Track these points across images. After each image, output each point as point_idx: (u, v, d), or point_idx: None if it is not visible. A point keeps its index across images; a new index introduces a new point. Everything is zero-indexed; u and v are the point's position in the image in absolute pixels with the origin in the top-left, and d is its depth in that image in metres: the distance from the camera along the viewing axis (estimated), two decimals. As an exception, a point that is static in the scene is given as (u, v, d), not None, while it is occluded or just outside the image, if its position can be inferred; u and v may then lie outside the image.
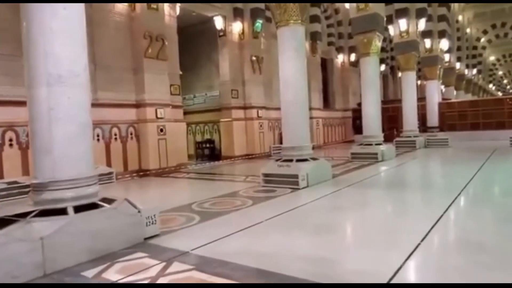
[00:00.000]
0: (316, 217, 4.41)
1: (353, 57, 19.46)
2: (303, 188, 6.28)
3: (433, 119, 16.99)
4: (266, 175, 6.77)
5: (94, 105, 8.50)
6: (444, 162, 10.28)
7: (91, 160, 3.53)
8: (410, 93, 14.01)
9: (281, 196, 5.74)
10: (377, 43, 10.39)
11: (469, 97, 27.44)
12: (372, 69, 10.28)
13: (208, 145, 13.20)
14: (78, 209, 3.23)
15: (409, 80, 14.04)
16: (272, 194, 5.89)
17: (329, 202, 5.36)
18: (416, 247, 3.11)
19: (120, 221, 3.45)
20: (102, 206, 3.41)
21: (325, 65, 18.62)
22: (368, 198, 5.47)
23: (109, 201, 3.60)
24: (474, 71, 29.99)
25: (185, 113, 13.65)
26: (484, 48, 31.86)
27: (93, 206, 3.38)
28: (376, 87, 10.34)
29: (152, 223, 3.79)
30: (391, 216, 4.33)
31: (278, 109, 12.80)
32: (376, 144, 10.15)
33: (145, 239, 3.68)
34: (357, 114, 19.59)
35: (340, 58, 19.40)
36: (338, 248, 3.24)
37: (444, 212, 4.24)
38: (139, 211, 3.67)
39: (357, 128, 19.40)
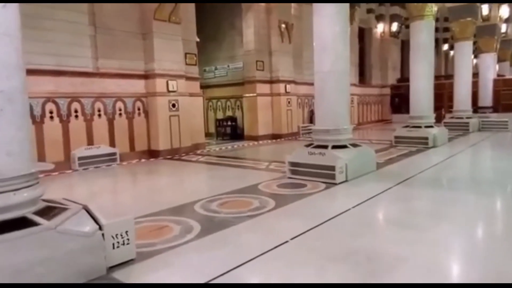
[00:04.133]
0: (366, 238, 3.03)
1: (394, 26, 17.35)
2: (340, 183, 4.89)
3: (486, 98, 14.88)
4: (293, 164, 5.41)
5: (94, 74, 7.35)
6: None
7: (22, 152, 2.29)
8: (465, 66, 12.04)
9: (312, 194, 4.38)
10: (433, 6, 8.54)
11: (523, 74, 24.49)
12: (425, 36, 8.50)
13: (229, 123, 11.89)
14: (-9, 230, 2.01)
15: (464, 52, 12.04)
16: (300, 191, 4.54)
17: (380, 210, 3.95)
18: None
19: (65, 247, 2.21)
20: (35, 223, 2.17)
21: (363, 35, 16.64)
22: (438, 205, 3.97)
23: (52, 212, 2.37)
24: (530, 45, 26.71)
25: (205, 86, 12.41)
26: (542, 19, 28.31)
27: (21, 223, 2.16)
28: (429, 57, 8.58)
29: (123, 244, 2.55)
30: (498, 244, 2.89)
31: (309, 84, 11.25)
32: (426, 127, 8.49)
33: (111, 268, 2.46)
34: (396, 91, 17.71)
35: (380, 28, 17.32)
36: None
37: None
38: (100, 228, 2.42)
39: (396, 107, 17.57)
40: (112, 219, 2.52)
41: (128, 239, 2.58)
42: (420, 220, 3.37)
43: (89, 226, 2.38)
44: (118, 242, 2.53)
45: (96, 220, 2.48)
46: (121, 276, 2.40)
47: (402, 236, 2.98)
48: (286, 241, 2.89)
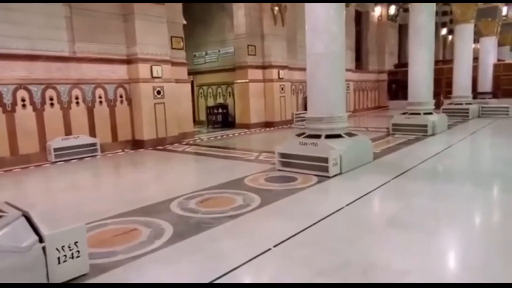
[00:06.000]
0: (362, 243, 2.63)
1: (392, 9, 16.74)
2: (334, 176, 4.49)
3: (485, 83, 14.46)
4: (283, 155, 4.99)
5: (71, 59, 6.70)
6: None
7: None
8: (466, 50, 11.61)
9: (302, 190, 3.98)
10: (434, -16, 8.04)
11: (522, 59, 24.01)
12: (425, 18, 8.00)
13: (220, 111, 11.41)
14: None
15: (464, 35, 11.57)
16: (289, 186, 4.13)
17: (378, 208, 3.56)
18: None
19: (-9, 266, 1.79)
20: (-51, 239, 1.75)
21: (359, 19, 16.08)
22: (442, 202, 3.56)
23: (-21, 223, 1.94)
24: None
25: (196, 72, 11.91)
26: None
27: None
28: (429, 40, 8.11)
29: (71, 257, 2.14)
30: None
31: (303, 69, 10.64)
32: (425, 114, 8.08)
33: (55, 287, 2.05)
34: (393, 77, 17.22)
35: (377, 11, 16.71)
36: None
37: None
38: (41, 240, 2.00)
39: (393, 93, 17.13)
40: (57, 229, 2.10)
41: (78, 251, 2.17)
42: (423, 221, 2.97)
43: (24, 238, 1.96)
44: (65, 256, 2.12)
45: (36, 231, 2.06)
46: (66, 298, 1.99)
47: (403, 241, 2.58)
48: (269, 249, 2.49)
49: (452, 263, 2.37)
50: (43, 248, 2.00)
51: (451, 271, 2.26)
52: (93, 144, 6.78)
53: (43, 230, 2.06)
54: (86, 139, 6.75)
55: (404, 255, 2.37)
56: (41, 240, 2.01)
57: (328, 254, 2.41)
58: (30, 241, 1.95)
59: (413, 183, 4.22)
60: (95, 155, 6.68)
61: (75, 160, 6.31)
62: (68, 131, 6.64)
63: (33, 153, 6.19)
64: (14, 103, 5.95)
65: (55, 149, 6.22)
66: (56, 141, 6.32)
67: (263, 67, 10.87)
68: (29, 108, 6.14)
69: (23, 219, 2.14)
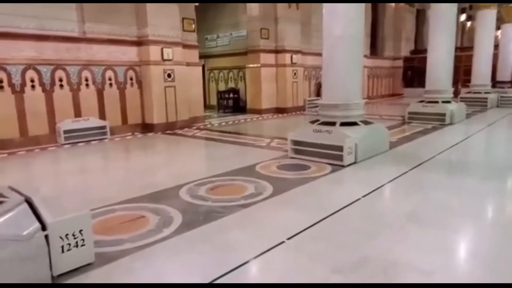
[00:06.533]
0: (380, 239, 2.49)
1: (410, -7, 16.19)
2: (349, 165, 4.33)
3: (505, 72, 13.91)
4: (296, 142, 4.84)
5: (80, 40, 6.57)
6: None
7: None
8: (487, 37, 11.14)
9: (316, 179, 3.83)
10: (457, -35, 7.64)
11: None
12: (446, 4, 7.62)
13: (231, 96, 11.23)
14: None
15: (486, 21, 11.07)
16: (302, 175, 3.99)
17: (395, 201, 3.39)
18: None
19: (-10, 255, 1.70)
20: None
21: (376, 3, 15.55)
22: (463, 197, 3.39)
23: (-21, 208, 1.85)
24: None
25: (207, 56, 11.71)
26: None
27: None
28: (450, 27, 7.76)
29: (76, 246, 2.05)
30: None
31: (317, 54, 10.47)
32: (444, 102, 7.79)
33: (59, 277, 1.97)
34: (409, 63, 16.80)
35: (395, -5, 16.17)
36: None
37: None
38: (44, 227, 1.90)
39: (409, 80, 16.72)
40: (61, 216, 2.00)
41: (83, 240, 2.07)
42: (444, 216, 2.80)
43: (26, 226, 1.86)
44: (69, 244, 2.02)
45: (38, 217, 1.96)
46: (69, 288, 1.90)
47: (423, 238, 2.42)
48: (282, 242, 2.36)
49: (477, 261, 2.22)
50: (46, 236, 1.90)
51: (477, 270, 2.10)
52: (103, 127, 6.71)
53: (46, 217, 1.96)
54: (96, 122, 6.67)
55: (424, 252, 2.21)
56: (44, 227, 1.91)
57: (345, 249, 2.28)
58: (32, 229, 1.85)
59: (431, 175, 4.03)
60: (105, 138, 6.61)
61: (84, 143, 6.24)
62: (77, 113, 6.56)
63: (43, 135, 6.14)
64: (23, 84, 5.87)
65: (65, 131, 6.16)
66: (66, 123, 6.26)
67: (276, 51, 10.60)
68: (38, 89, 6.06)
69: (25, 205, 2.04)
